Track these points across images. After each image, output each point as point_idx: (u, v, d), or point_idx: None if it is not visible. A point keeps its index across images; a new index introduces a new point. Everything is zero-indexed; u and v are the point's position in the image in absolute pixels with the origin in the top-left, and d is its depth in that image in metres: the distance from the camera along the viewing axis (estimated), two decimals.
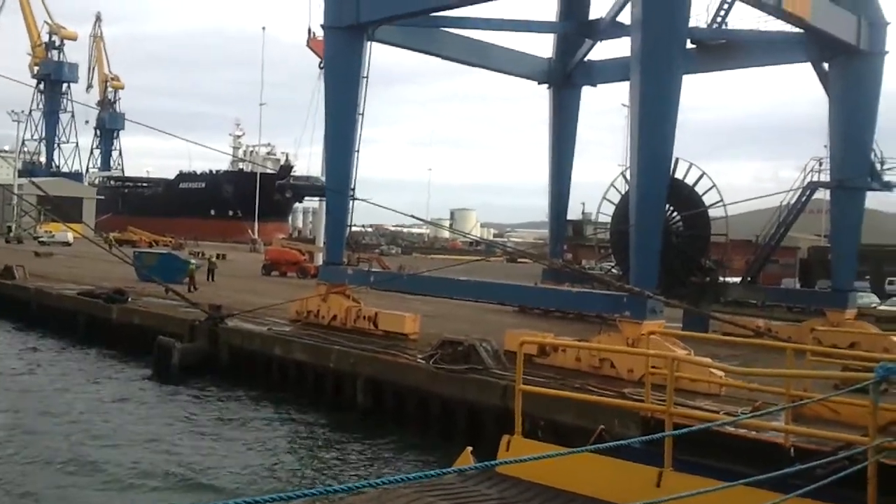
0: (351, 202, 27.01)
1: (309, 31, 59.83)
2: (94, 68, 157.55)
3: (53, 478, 14.60)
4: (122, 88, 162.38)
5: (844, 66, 28.39)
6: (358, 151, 26.61)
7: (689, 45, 26.82)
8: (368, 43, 26.14)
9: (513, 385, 9.72)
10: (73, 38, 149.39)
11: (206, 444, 17.11)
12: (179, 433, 17.89)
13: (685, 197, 29.74)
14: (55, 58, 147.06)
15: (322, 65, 30.92)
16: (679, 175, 29.55)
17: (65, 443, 16.64)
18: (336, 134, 27.01)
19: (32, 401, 20.28)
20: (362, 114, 26.46)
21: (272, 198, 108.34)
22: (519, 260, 68.07)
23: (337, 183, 27.06)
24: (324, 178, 33.42)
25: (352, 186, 26.76)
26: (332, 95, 26.95)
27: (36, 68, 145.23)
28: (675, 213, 29.63)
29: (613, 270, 32.94)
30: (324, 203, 46.25)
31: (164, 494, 13.93)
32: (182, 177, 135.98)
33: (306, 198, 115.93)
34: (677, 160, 28.26)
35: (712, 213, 30.44)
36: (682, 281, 28.46)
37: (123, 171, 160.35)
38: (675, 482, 7.70)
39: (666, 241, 24.13)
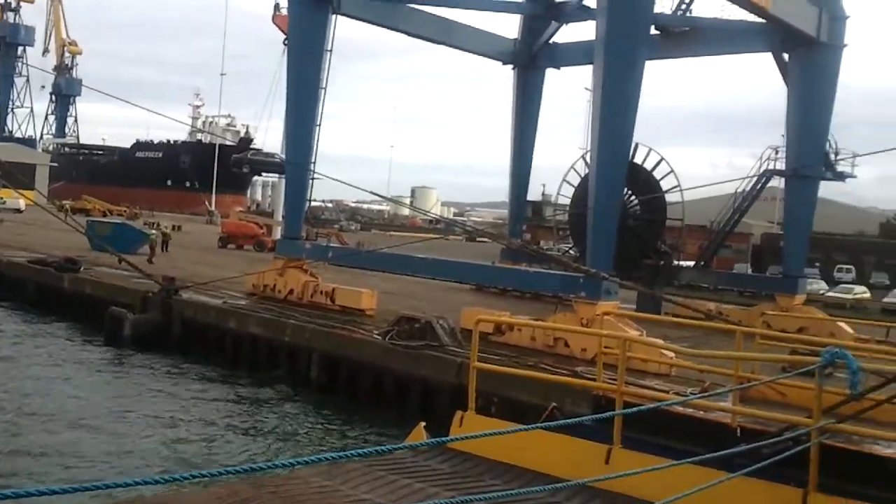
0: (310, 177, 26.82)
1: (275, 6, 58.75)
2: (51, 32, 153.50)
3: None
4: (80, 54, 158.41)
5: (804, 58, 28.84)
6: (319, 126, 26.43)
7: (652, 30, 27.01)
8: (333, 16, 25.86)
9: (467, 362, 9.79)
10: (31, 1, 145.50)
11: (154, 415, 16.90)
12: (127, 403, 17.65)
13: (643, 181, 30.13)
14: (11, 20, 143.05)
15: (286, 41, 30.53)
16: (638, 160, 29.89)
17: (5, 407, 16.42)
18: (297, 107, 26.68)
19: None
20: (325, 88, 26.24)
21: (230, 170, 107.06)
22: (478, 239, 68.33)
23: (297, 157, 26.81)
24: (283, 154, 33.08)
25: (312, 161, 26.55)
26: (295, 68, 26.62)
27: None
28: (632, 197, 29.99)
29: (571, 252, 33.26)
30: (283, 177, 45.81)
31: (106, 464, 13.75)
32: (138, 146, 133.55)
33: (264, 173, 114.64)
34: (636, 145, 28.56)
35: (669, 197, 30.89)
36: (636, 263, 28.85)
37: (79, 139, 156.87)
38: (623, 459, 7.83)
39: (622, 224, 24.41)
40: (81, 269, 30.04)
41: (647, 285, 26.68)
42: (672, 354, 15.68)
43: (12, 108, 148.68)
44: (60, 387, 18.68)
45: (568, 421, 7.82)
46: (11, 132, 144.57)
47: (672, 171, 30.77)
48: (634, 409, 7.52)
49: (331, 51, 26.04)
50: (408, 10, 28.77)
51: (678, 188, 30.66)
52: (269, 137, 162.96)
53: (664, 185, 30.68)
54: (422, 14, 29.23)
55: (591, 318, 19.34)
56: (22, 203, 72.34)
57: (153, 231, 41.88)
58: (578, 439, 8.36)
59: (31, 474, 12.81)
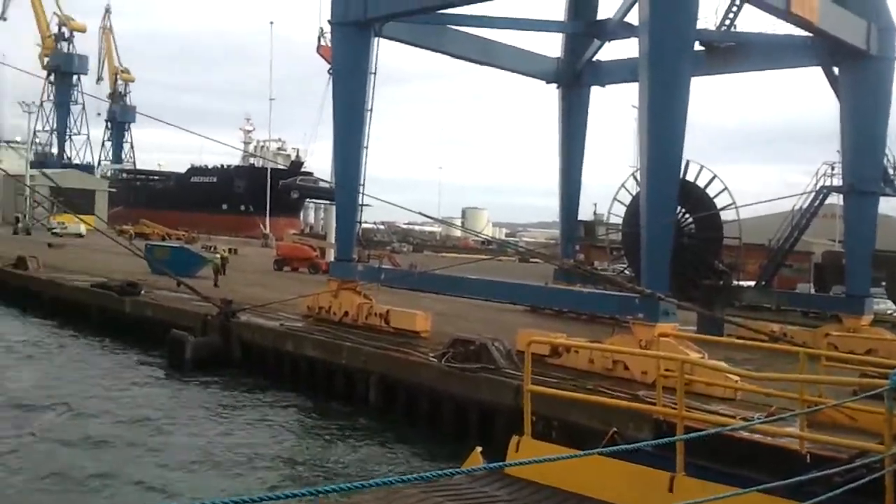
0: (360, 199, 26.97)
1: (319, 36, 59.17)
2: (103, 61, 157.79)
3: (68, 458, 15.10)
4: (133, 81, 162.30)
5: (854, 71, 28.15)
6: (367, 148, 26.53)
7: (697, 47, 26.68)
8: (376, 39, 26.07)
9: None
10: (82, 31, 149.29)
11: (216, 437, 17.18)
12: (192, 425, 17.98)
13: (696, 199, 29.65)
14: (65, 49, 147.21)
15: (331, 70, 30.96)
16: (690, 177, 29.44)
17: (76, 427, 16.99)
18: (344, 131, 26.77)
19: (46, 389, 20.37)
20: (371, 110, 26.34)
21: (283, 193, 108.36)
22: (531, 260, 67.94)
23: (346, 180, 27.00)
24: (333, 177, 33.39)
25: (361, 183, 26.71)
26: (340, 91, 26.82)
27: (46, 60, 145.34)
28: (686, 215, 29.53)
29: (626, 272, 32.87)
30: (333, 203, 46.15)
31: (171, 481, 14.03)
32: (193, 171, 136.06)
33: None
34: (688, 162, 28.19)
35: (724, 215, 30.33)
36: (694, 283, 28.35)
37: (135, 164, 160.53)
38: (687, 487, 7.68)
39: (678, 242, 24.04)
40: (142, 292, 30.66)
41: (706, 306, 26.17)
42: (737, 378, 15.32)
43: (70, 136, 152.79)
44: (130, 408, 19.07)
45: (627, 446, 7.70)
46: (70, 158, 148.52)
47: (726, 187, 30.26)
48: (696, 433, 7.38)
49: (375, 73, 26.25)
50: (449, 32, 28.87)
51: (733, 205, 30.11)
52: (318, 160, 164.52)
53: (718, 202, 30.18)
54: (463, 36, 29.33)
55: (649, 339, 18.97)
56: (83, 228, 74.19)
57: (216, 255, 42.45)
58: (640, 466, 8.22)
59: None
